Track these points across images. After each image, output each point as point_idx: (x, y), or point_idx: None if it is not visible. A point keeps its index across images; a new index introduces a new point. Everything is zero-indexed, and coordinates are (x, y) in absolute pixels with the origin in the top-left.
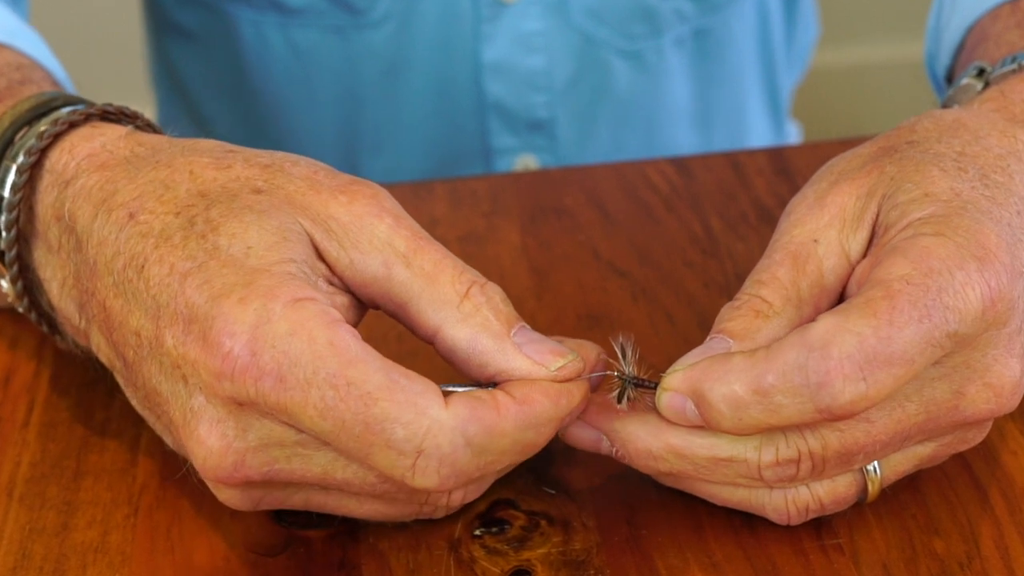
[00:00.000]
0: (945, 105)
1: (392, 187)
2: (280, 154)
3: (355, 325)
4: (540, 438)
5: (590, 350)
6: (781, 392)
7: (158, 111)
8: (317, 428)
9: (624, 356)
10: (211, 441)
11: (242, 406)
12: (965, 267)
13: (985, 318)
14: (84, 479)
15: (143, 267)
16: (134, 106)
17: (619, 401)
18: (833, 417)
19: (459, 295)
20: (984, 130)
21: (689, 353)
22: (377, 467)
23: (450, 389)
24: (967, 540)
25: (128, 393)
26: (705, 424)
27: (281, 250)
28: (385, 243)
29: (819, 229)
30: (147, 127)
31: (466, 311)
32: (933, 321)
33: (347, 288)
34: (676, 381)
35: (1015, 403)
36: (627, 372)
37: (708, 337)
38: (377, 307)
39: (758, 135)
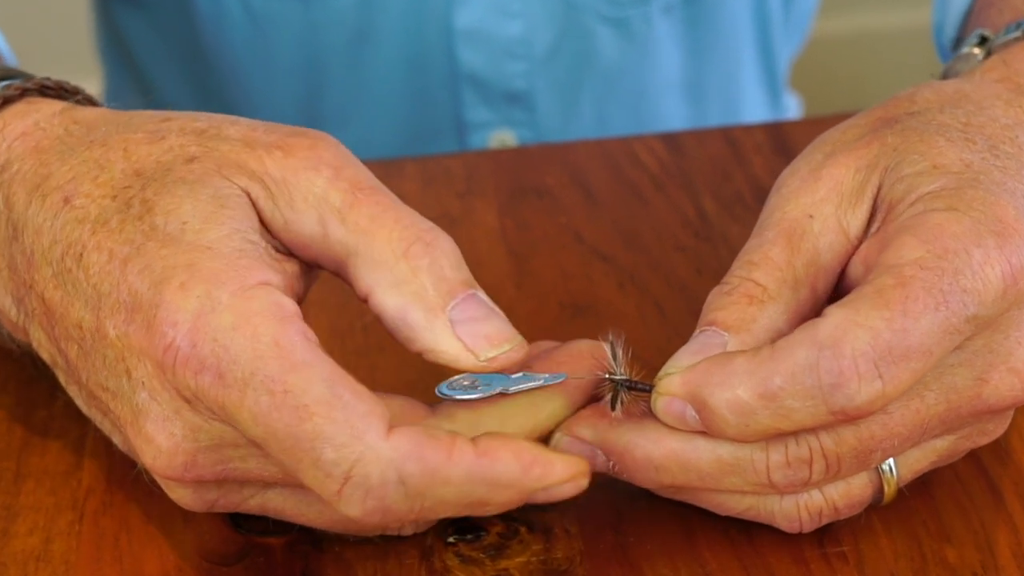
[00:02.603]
0: (945, 75)
1: None
2: (219, 116)
3: (305, 292)
4: (496, 498)
5: (581, 354)
6: (791, 395)
7: (106, 83)
8: (250, 433)
9: (615, 356)
10: (159, 439)
11: (189, 402)
12: (983, 244)
13: (1007, 297)
14: (25, 482)
15: (81, 255)
16: (79, 79)
17: (612, 407)
18: (848, 419)
19: (396, 255)
20: (988, 101)
21: (681, 350)
22: (305, 483)
23: (449, 394)
24: (982, 548)
25: (72, 392)
26: (708, 431)
27: (220, 220)
28: (321, 199)
29: (814, 204)
30: (87, 102)
31: (400, 275)
32: (951, 308)
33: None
34: (673, 385)
35: None
36: (619, 374)
37: (698, 329)
38: (323, 268)
39: (755, 109)
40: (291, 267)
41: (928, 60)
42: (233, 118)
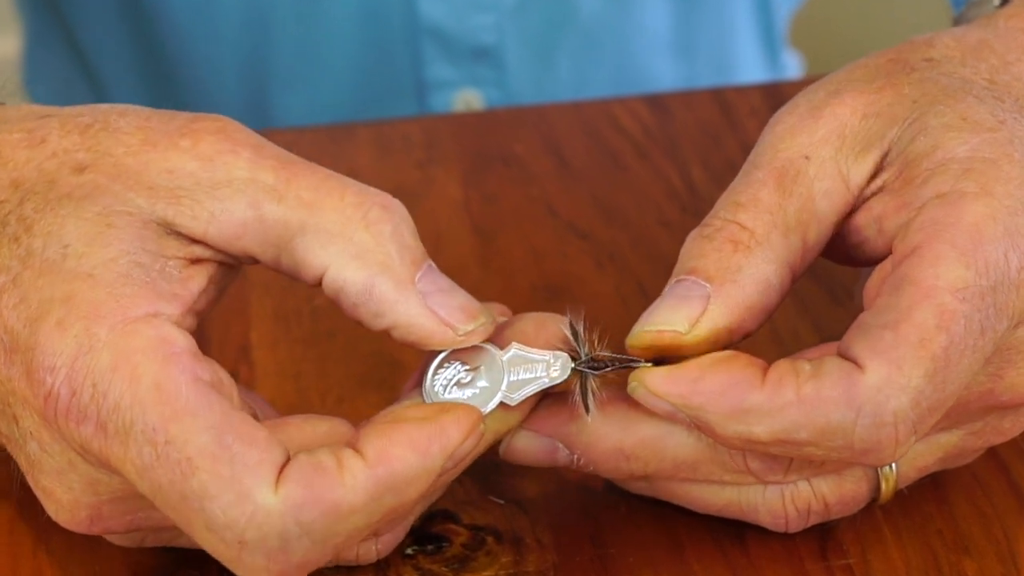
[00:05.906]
0: (958, 23)
1: (307, 130)
2: (104, 107)
3: (215, 300)
4: (407, 499)
5: (550, 326)
6: (815, 446)
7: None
8: (139, 488)
9: (576, 337)
10: (57, 494)
11: (81, 454)
12: (1019, 246)
13: None
14: None
15: None
16: None
17: (586, 406)
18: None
19: (353, 222)
20: (1013, 54)
21: (657, 304)
22: (203, 547)
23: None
24: (1004, 560)
25: None
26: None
27: (106, 241)
28: (248, 181)
29: (812, 144)
30: None
31: (363, 244)
32: (987, 336)
33: (213, 255)
34: (660, 385)
35: None
36: (583, 358)
37: (674, 278)
38: (257, 261)
39: (750, 68)
40: (196, 283)
41: (939, 15)
42: (121, 108)
